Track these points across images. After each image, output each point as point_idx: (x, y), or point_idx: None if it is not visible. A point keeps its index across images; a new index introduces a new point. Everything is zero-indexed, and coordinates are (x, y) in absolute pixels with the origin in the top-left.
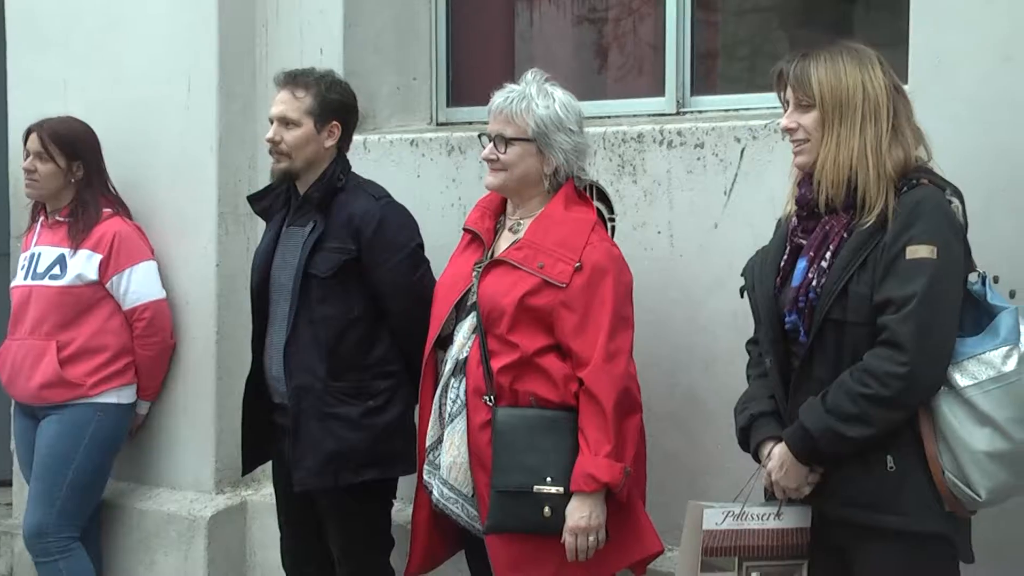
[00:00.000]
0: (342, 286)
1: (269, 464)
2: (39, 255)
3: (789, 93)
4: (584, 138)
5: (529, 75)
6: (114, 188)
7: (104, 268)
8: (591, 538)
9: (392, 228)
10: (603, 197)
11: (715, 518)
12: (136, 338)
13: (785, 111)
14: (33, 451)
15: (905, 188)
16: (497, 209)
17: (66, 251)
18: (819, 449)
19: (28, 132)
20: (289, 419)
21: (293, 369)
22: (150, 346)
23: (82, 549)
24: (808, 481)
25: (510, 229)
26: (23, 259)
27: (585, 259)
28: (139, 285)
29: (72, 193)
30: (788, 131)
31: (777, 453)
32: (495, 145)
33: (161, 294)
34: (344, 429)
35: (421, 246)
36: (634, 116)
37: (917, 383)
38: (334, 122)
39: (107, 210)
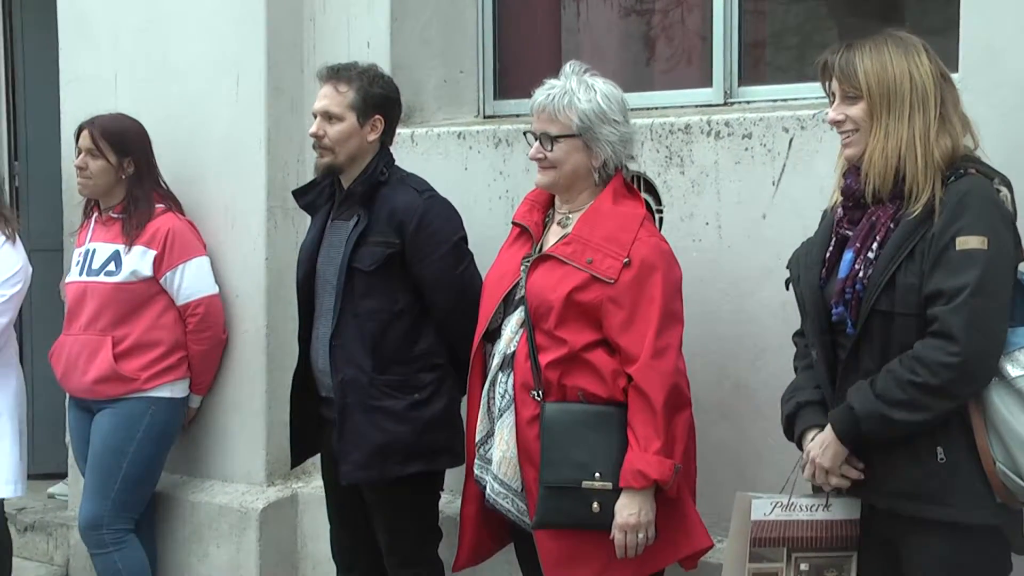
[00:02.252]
0: (386, 280)
1: (319, 456)
2: (94, 251)
3: (835, 84)
4: (630, 127)
5: (568, 68)
6: (165, 183)
7: (158, 264)
8: (640, 535)
9: (435, 222)
10: (651, 188)
11: (763, 508)
12: (189, 333)
13: (831, 103)
14: (87, 444)
15: (952, 178)
16: (546, 202)
17: (121, 247)
18: (863, 431)
19: (80, 129)
20: (335, 412)
21: (339, 363)
22: (203, 341)
23: (136, 541)
24: (842, 470)
25: (559, 223)
26: (77, 255)
27: (634, 255)
28: (192, 280)
29: (124, 189)
30: (835, 123)
31: (821, 436)
32: (541, 144)
33: (214, 289)
34: (390, 422)
35: (464, 239)
36: (681, 107)
37: (968, 374)
38: (377, 116)
39: (160, 206)
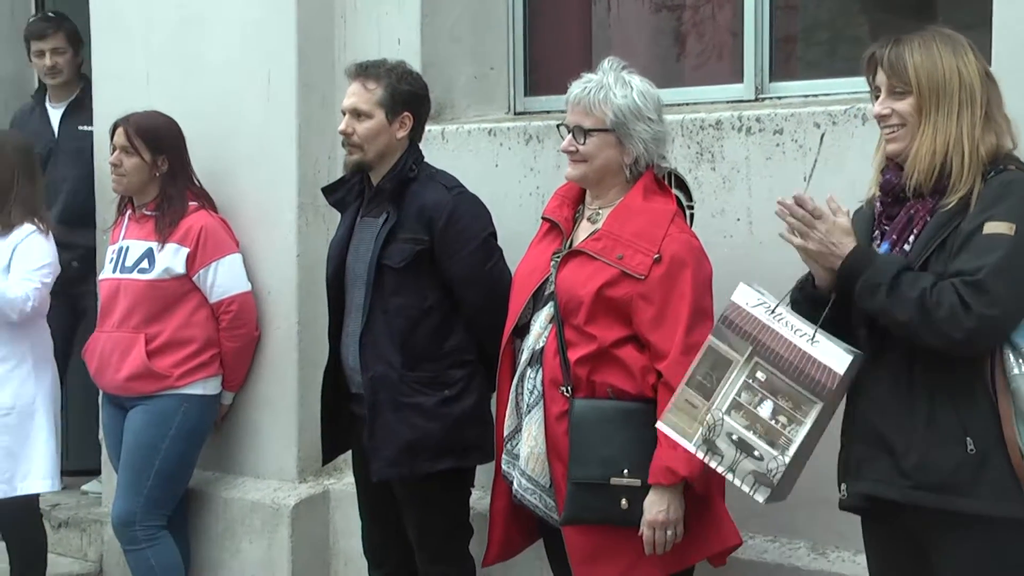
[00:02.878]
0: (415, 276)
1: (351, 452)
2: (127, 249)
3: (881, 78)
4: (664, 126)
5: (606, 63)
6: (199, 181)
7: (191, 261)
8: (669, 532)
9: (464, 218)
10: (681, 184)
11: (747, 298)
12: (222, 330)
13: (874, 96)
14: (121, 441)
15: (992, 173)
16: (576, 197)
17: (154, 245)
18: (865, 276)
19: (114, 127)
20: (365, 409)
21: (368, 359)
22: (236, 338)
23: (169, 537)
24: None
25: (588, 219)
26: (111, 252)
27: (664, 251)
28: (225, 278)
29: (158, 187)
30: (880, 118)
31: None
32: (574, 136)
33: (247, 287)
34: (420, 418)
35: (494, 235)
36: (712, 103)
37: (973, 338)
38: (406, 113)
39: (193, 203)
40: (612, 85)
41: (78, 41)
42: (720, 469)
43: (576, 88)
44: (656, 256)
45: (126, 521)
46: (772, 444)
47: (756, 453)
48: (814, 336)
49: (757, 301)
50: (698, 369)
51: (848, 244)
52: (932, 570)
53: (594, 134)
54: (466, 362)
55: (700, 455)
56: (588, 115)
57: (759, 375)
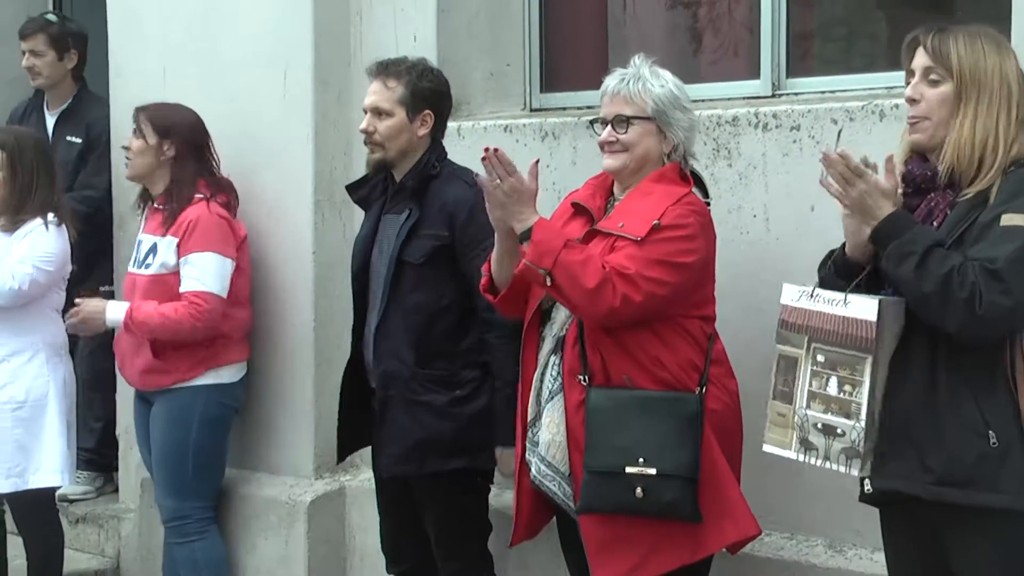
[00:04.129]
0: (434, 273)
1: (366, 450)
2: (141, 243)
3: (918, 61)
4: (695, 117)
5: (637, 59)
6: (218, 172)
7: (179, 251)
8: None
9: (484, 214)
10: (699, 181)
11: (792, 295)
12: (190, 315)
13: (908, 82)
14: (148, 433)
15: (1012, 167)
16: (610, 188)
17: (158, 239)
18: (898, 241)
19: (135, 113)
20: (376, 404)
21: (382, 355)
22: (197, 330)
23: (217, 531)
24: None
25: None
26: (135, 247)
27: (665, 217)
28: (201, 273)
29: (167, 175)
30: (910, 101)
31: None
32: (613, 127)
33: (216, 290)
34: (430, 417)
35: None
36: (729, 99)
37: (979, 327)
38: (426, 111)
39: (198, 195)
40: (648, 76)
41: (64, 46)
42: (819, 463)
43: (612, 80)
44: (656, 223)
45: (178, 516)
46: (847, 415)
47: (839, 431)
48: (845, 299)
49: (799, 293)
50: (777, 380)
51: (886, 207)
52: (951, 562)
53: (636, 122)
54: (480, 363)
55: (800, 458)
56: (629, 103)
57: (819, 358)
